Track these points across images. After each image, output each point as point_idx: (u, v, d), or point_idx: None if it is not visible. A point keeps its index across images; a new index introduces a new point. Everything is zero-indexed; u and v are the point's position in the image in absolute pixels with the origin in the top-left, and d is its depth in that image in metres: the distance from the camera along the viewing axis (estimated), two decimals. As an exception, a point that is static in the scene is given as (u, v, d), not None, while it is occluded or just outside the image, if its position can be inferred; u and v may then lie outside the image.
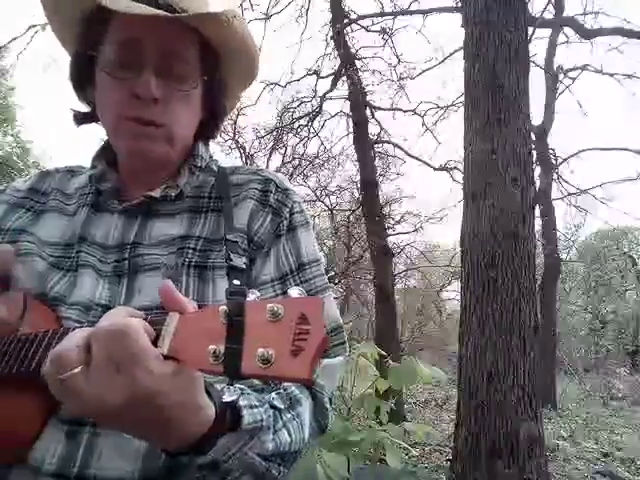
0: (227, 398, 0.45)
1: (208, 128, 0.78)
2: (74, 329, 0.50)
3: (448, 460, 4.54)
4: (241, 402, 0.51)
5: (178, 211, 0.71)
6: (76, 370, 0.40)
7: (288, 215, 0.72)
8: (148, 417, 0.42)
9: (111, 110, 0.68)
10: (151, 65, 0.63)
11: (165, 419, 0.43)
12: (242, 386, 0.57)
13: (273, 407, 0.56)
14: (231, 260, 0.64)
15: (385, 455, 1.88)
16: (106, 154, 0.75)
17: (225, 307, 0.39)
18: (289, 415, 0.59)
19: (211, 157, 0.80)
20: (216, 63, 0.71)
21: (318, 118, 8.75)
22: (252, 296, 0.40)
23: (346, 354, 0.72)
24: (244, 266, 0.65)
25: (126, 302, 0.62)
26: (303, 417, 0.61)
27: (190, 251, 0.66)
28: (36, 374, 0.49)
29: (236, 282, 0.62)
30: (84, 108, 0.76)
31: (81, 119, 0.76)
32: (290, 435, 0.57)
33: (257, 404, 0.54)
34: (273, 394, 0.58)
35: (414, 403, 8.47)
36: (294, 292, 0.39)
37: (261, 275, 0.68)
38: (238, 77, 0.77)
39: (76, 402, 0.42)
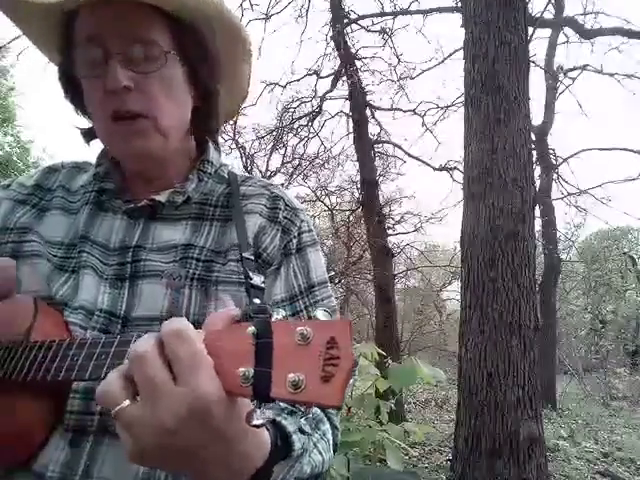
0: (255, 422, 0.44)
1: (202, 115, 0.73)
2: (88, 338, 0.49)
3: (448, 460, 4.55)
4: (289, 428, 0.49)
5: (182, 217, 0.69)
6: (125, 403, 0.37)
7: (297, 234, 0.72)
8: (208, 437, 0.38)
9: (96, 114, 0.65)
10: (115, 54, 0.60)
11: (228, 439, 0.39)
12: (276, 409, 0.55)
13: (303, 432, 0.54)
14: (251, 279, 0.63)
15: (385, 455, 1.88)
16: None
17: (253, 328, 0.38)
18: (317, 435, 0.58)
19: (222, 163, 0.78)
20: (194, 39, 0.66)
21: (318, 118, 8.77)
22: (278, 316, 0.39)
23: (354, 378, 0.71)
24: (263, 285, 0.64)
25: (127, 309, 0.61)
26: (328, 436, 0.61)
27: (194, 262, 0.65)
28: (44, 382, 0.48)
29: (257, 301, 0.61)
30: (87, 124, 0.73)
31: (89, 135, 0.74)
32: (321, 454, 0.57)
33: (297, 428, 0.53)
34: (302, 420, 0.56)
35: (414, 403, 8.47)
36: (320, 314, 0.38)
37: (271, 295, 0.67)
38: (223, 46, 0.70)
39: (133, 436, 0.38)
